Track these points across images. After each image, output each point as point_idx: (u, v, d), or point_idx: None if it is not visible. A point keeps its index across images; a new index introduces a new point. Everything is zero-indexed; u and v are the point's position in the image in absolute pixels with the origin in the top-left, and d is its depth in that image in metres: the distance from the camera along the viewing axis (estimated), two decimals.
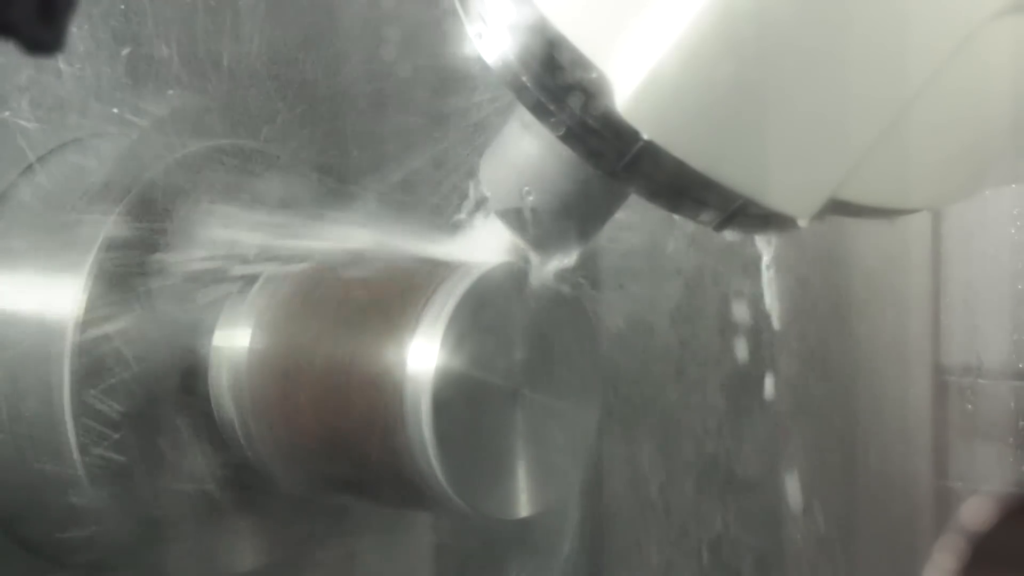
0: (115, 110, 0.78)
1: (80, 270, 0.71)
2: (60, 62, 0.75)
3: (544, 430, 0.70)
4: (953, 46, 0.55)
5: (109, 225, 0.72)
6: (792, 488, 1.01)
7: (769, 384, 1.01)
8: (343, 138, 0.89)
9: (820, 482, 1.11)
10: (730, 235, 0.62)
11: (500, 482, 0.69)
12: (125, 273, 0.72)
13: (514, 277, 0.69)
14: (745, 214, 0.59)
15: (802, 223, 0.58)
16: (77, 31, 0.73)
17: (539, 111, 0.59)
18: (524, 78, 0.59)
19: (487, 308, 0.68)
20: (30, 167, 0.75)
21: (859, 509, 1.13)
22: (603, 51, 0.56)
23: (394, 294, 0.70)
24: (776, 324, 0.75)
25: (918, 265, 1.12)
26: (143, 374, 0.73)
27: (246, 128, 0.83)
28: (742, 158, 0.57)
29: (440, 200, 0.78)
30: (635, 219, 0.75)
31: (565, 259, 0.69)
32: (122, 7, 0.78)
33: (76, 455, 0.71)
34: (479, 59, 0.60)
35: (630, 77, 0.55)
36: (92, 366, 0.71)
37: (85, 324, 0.71)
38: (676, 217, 0.62)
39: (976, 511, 0.50)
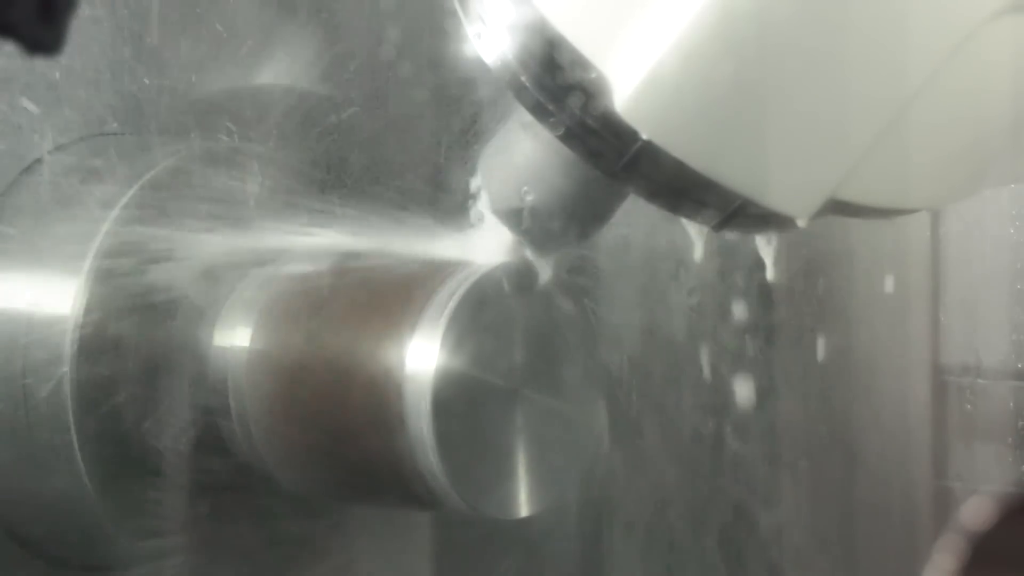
0: (115, 110, 0.78)
1: (80, 270, 0.71)
2: (61, 60, 0.75)
3: (544, 430, 0.70)
4: (952, 46, 0.55)
5: (109, 225, 0.72)
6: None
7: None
8: (343, 138, 0.89)
9: (819, 482, 1.11)
10: (730, 235, 0.62)
11: (500, 482, 0.69)
12: (125, 273, 0.72)
13: (514, 277, 0.69)
14: (744, 214, 0.59)
15: (801, 223, 0.59)
16: (77, 28, 0.73)
17: (538, 111, 0.59)
18: (523, 78, 0.59)
19: (487, 308, 0.68)
20: (31, 166, 0.75)
21: (858, 509, 1.13)
22: (602, 51, 0.56)
23: (394, 294, 0.70)
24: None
25: (917, 265, 1.12)
26: (143, 374, 0.73)
27: (246, 128, 0.83)
28: (741, 158, 0.57)
29: (440, 200, 0.78)
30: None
31: (564, 258, 0.69)
32: (124, 4, 0.78)
33: (77, 455, 0.71)
34: (478, 59, 0.60)
35: (629, 77, 0.55)
36: (92, 366, 0.71)
37: (85, 324, 0.71)
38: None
39: (976, 511, 0.50)
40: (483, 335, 0.68)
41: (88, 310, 0.71)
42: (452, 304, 0.67)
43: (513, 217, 0.68)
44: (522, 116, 0.63)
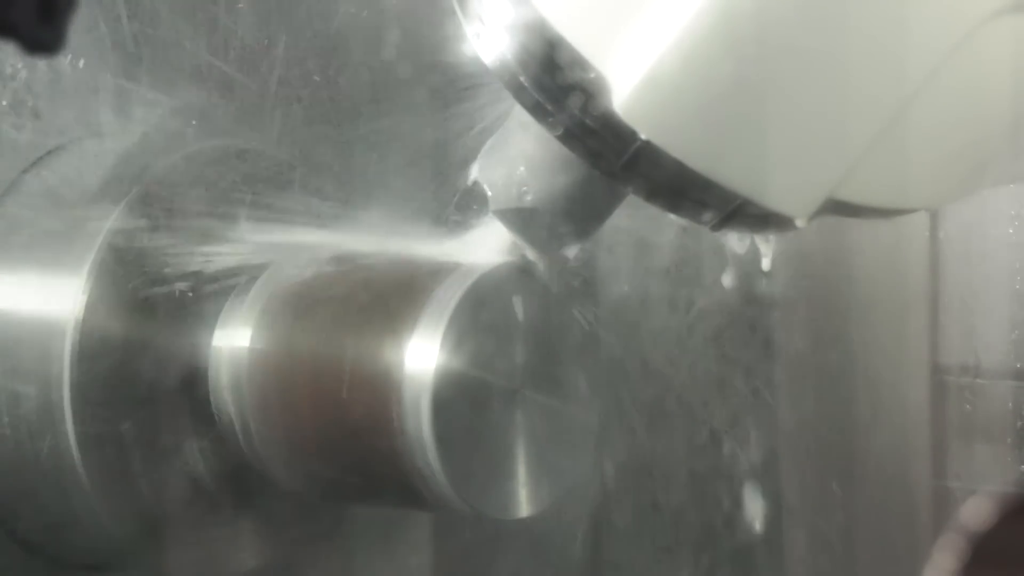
0: (115, 110, 0.78)
1: (80, 270, 0.71)
2: (61, 59, 0.75)
3: (544, 430, 0.70)
4: (952, 45, 0.55)
5: (110, 224, 0.72)
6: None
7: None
8: (343, 138, 0.89)
9: (819, 482, 1.11)
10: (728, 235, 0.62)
11: (500, 482, 0.69)
12: (125, 273, 0.72)
13: (514, 277, 0.69)
14: (743, 214, 0.59)
15: (800, 223, 0.59)
16: (77, 28, 0.73)
17: (537, 111, 0.59)
18: (522, 78, 0.59)
19: (487, 308, 0.68)
20: (31, 166, 0.75)
21: (858, 508, 1.13)
22: (601, 51, 0.56)
23: (394, 294, 0.70)
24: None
25: (916, 265, 1.12)
26: (143, 374, 0.73)
27: (247, 128, 0.83)
28: (740, 158, 0.57)
29: (440, 200, 0.78)
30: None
31: (564, 258, 0.70)
32: (124, 4, 0.78)
33: (76, 455, 0.71)
34: (477, 59, 0.60)
35: (628, 77, 0.55)
36: (92, 366, 0.71)
37: (85, 324, 0.71)
38: None
39: (976, 511, 0.50)
40: (483, 335, 0.68)
41: (88, 310, 0.71)
42: (452, 304, 0.67)
43: (512, 217, 0.68)
44: (521, 116, 0.63)
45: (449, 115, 0.88)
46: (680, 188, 0.58)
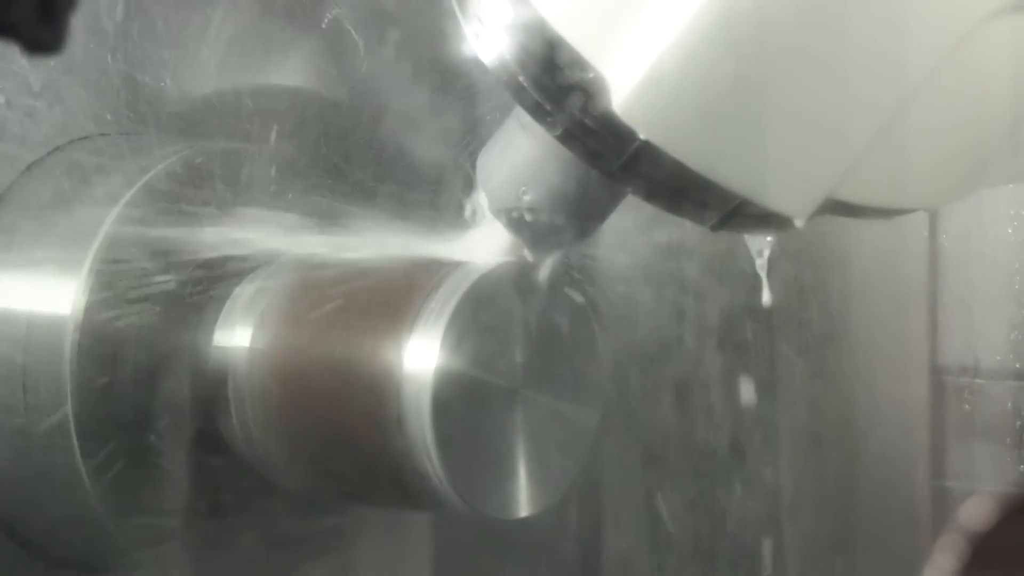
0: (115, 110, 0.78)
1: (80, 269, 0.71)
2: (60, 60, 0.75)
3: (544, 430, 0.70)
4: (951, 46, 0.55)
5: (110, 224, 0.72)
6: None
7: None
8: (343, 138, 0.89)
9: (818, 482, 1.11)
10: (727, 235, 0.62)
11: (500, 482, 0.69)
12: (126, 273, 0.72)
13: (514, 277, 0.69)
14: (742, 214, 0.59)
15: (799, 223, 0.59)
16: (77, 27, 0.73)
17: (536, 111, 0.59)
18: (521, 78, 0.59)
19: (487, 308, 0.68)
20: (32, 166, 0.75)
21: (857, 509, 1.13)
22: (600, 51, 0.56)
23: (394, 294, 0.70)
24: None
25: (915, 265, 1.12)
26: (143, 374, 0.73)
27: (247, 128, 0.83)
28: (739, 158, 0.57)
29: (439, 200, 0.78)
30: None
31: (563, 257, 0.70)
32: (124, 3, 0.78)
33: (77, 455, 0.71)
34: (477, 59, 0.60)
35: (627, 77, 0.55)
36: (92, 366, 0.71)
37: (85, 324, 0.71)
38: None
39: (976, 511, 0.51)
40: (483, 335, 0.68)
41: (88, 310, 0.71)
42: (452, 304, 0.67)
43: (512, 217, 0.68)
44: (520, 116, 0.63)
45: (448, 115, 0.88)
46: (679, 188, 0.58)
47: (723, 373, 1.06)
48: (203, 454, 0.76)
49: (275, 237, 0.76)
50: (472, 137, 0.73)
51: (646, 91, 0.55)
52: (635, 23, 0.55)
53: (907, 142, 0.57)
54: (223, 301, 0.76)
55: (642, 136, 0.56)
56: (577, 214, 0.67)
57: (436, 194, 0.87)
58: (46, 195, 0.75)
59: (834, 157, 0.57)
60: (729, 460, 1.06)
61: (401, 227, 0.74)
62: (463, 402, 0.68)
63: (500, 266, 0.69)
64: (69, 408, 0.71)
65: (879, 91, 0.56)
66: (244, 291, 0.76)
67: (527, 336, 0.70)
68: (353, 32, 0.89)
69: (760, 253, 0.68)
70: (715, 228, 0.60)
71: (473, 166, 0.69)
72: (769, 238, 0.67)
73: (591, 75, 0.56)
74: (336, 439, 0.71)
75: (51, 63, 0.74)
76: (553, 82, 0.58)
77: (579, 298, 0.72)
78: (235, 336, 0.75)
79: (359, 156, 0.89)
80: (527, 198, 0.66)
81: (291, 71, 0.87)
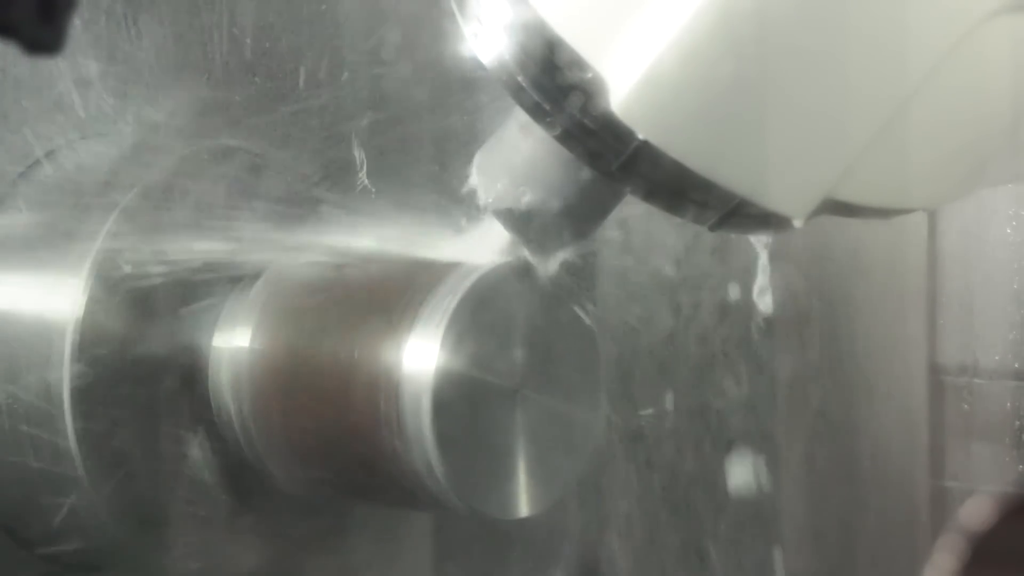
0: (116, 110, 0.78)
1: (80, 270, 0.71)
2: (60, 60, 0.75)
3: (544, 430, 0.70)
4: (950, 45, 0.55)
5: (110, 224, 0.72)
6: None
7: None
8: (343, 138, 0.89)
9: (818, 482, 1.11)
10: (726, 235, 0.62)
11: (500, 482, 0.69)
12: (125, 273, 0.72)
13: (514, 277, 0.69)
14: (741, 214, 0.59)
15: (798, 223, 0.59)
16: (77, 27, 0.73)
17: (535, 111, 0.59)
18: (520, 79, 0.59)
19: (487, 308, 0.68)
20: (31, 166, 0.75)
21: (856, 508, 1.13)
22: (599, 51, 0.56)
23: (394, 294, 0.70)
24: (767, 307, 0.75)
25: (914, 265, 1.12)
26: (143, 374, 0.73)
27: (247, 128, 0.83)
28: (738, 158, 0.57)
29: (439, 200, 0.78)
30: None
31: (563, 257, 0.69)
32: (123, 3, 0.78)
33: (76, 455, 0.71)
34: (475, 59, 0.60)
35: (626, 77, 0.55)
36: (92, 366, 0.71)
37: (85, 324, 0.71)
38: None
39: (975, 511, 0.51)
40: (483, 335, 0.68)
41: (88, 310, 0.71)
42: (452, 304, 0.67)
43: (511, 217, 0.68)
44: (519, 116, 0.63)
45: (448, 115, 0.88)
46: (678, 188, 0.58)
47: (723, 372, 1.06)
48: (203, 454, 0.76)
49: (275, 237, 0.76)
50: (471, 137, 0.73)
51: (645, 91, 0.55)
52: (634, 23, 0.55)
53: (906, 142, 0.57)
54: (223, 301, 0.76)
55: (641, 136, 0.56)
56: (576, 214, 0.67)
57: (435, 194, 0.87)
58: (46, 195, 0.75)
59: (833, 157, 0.57)
60: (729, 460, 1.06)
61: (401, 227, 0.74)
62: (463, 402, 0.68)
63: (500, 266, 0.69)
64: (68, 408, 0.71)
65: (878, 91, 0.56)
66: (244, 291, 0.76)
67: (527, 336, 0.70)
68: (353, 31, 0.89)
69: (761, 251, 0.68)
70: (714, 228, 0.60)
71: (472, 166, 0.69)
72: (768, 238, 0.67)
73: (590, 75, 0.56)
74: (336, 439, 0.71)
75: (51, 62, 0.74)
76: (552, 82, 0.58)
77: (578, 297, 0.72)
78: (235, 336, 0.75)
79: (359, 156, 0.89)
80: (526, 198, 0.66)
81: (292, 69, 0.87)
